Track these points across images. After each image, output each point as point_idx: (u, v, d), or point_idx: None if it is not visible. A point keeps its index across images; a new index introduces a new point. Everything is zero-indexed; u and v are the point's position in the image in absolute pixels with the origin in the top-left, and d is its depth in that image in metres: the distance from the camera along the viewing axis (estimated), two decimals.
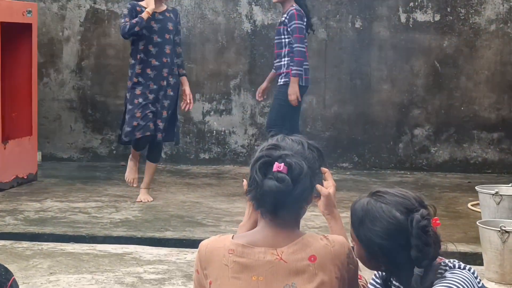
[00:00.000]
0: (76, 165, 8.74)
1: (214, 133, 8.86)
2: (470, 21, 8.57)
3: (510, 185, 6.17)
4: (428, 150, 8.71)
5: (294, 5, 6.93)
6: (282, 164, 2.28)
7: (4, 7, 7.22)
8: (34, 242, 5.66)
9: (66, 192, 7.24)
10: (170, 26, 6.65)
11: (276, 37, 7.00)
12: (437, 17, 8.59)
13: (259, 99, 7.41)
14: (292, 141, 2.36)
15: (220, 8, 8.76)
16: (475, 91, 8.63)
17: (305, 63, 6.91)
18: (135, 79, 6.60)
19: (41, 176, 7.84)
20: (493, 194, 5.76)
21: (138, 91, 6.58)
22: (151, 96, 6.59)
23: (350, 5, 8.65)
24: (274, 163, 2.29)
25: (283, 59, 6.91)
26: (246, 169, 2.41)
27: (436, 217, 2.32)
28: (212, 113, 8.85)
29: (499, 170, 8.53)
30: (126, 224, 6.08)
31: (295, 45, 6.82)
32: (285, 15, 6.90)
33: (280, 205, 2.29)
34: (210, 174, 8.26)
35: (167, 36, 6.61)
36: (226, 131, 8.87)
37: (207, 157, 8.81)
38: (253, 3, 8.70)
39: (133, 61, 6.64)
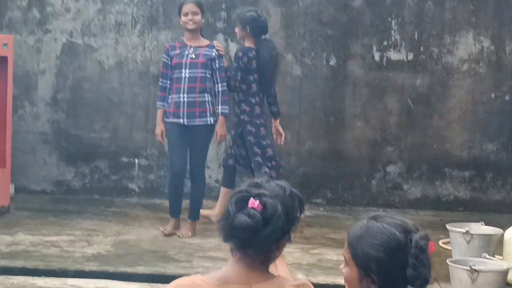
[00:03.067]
0: (49, 197, 8.69)
1: (188, 167, 8.85)
2: (443, 61, 8.69)
3: (480, 223, 6.23)
4: (401, 187, 8.76)
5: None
6: (257, 201, 2.31)
7: None
8: (5, 276, 5.63)
9: (39, 225, 7.20)
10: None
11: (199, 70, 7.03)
12: (411, 56, 8.69)
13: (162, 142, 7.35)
14: (276, 185, 2.40)
15: None
16: (447, 129, 8.72)
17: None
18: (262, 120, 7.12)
19: (13, 208, 7.79)
20: (463, 233, 5.82)
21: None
22: None
23: (325, 43, 8.74)
24: (249, 199, 2.32)
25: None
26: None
27: (432, 242, 2.36)
28: None
29: (470, 208, 8.59)
30: (98, 259, 6.07)
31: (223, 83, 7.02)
32: (212, 50, 7.00)
33: (248, 242, 2.31)
34: (183, 209, 8.22)
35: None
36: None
37: (184, 191, 8.78)
38: (229, 39, 8.75)
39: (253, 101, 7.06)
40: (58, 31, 8.83)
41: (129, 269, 5.81)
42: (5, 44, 7.58)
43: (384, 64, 8.72)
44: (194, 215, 7.07)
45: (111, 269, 5.80)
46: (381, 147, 8.77)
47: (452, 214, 8.28)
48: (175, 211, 7.11)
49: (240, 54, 7.07)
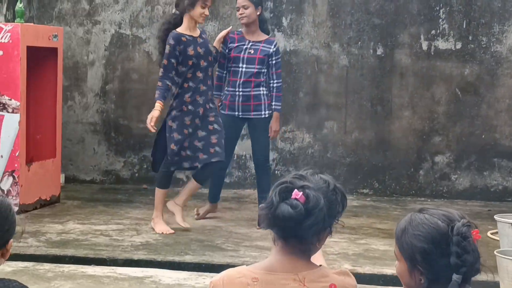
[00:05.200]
0: (98, 187, 8.81)
1: (235, 158, 8.90)
2: (492, 50, 8.59)
3: None
4: (449, 177, 8.70)
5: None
6: (301, 193, 2.33)
7: (30, 32, 7.33)
8: (55, 264, 5.72)
9: (88, 215, 7.31)
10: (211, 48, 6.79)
11: (256, 66, 6.95)
12: (459, 45, 8.61)
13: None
14: (320, 178, 2.42)
15: None
16: (496, 119, 8.63)
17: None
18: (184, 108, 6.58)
19: (63, 198, 7.91)
20: (511, 224, 5.76)
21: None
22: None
23: (372, 32, 8.70)
24: (293, 190, 2.35)
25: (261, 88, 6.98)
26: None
27: (477, 229, 2.36)
28: None
29: None
30: (147, 248, 6.14)
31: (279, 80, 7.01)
32: (270, 46, 6.95)
33: (290, 232, 2.34)
34: (230, 198, 8.29)
35: (210, 58, 6.72)
36: (247, 156, 8.90)
37: (227, 181, 8.81)
38: (275, 29, 8.76)
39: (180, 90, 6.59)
40: (107, 22, 8.94)
41: (177, 258, 5.87)
42: (55, 36, 7.69)
43: (432, 53, 8.65)
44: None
45: (159, 257, 5.87)
46: (429, 137, 8.71)
47: (501, 205, 8.20)
48: (212, 196, 7.28)
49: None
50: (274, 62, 6.98)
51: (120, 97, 8.99)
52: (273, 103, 7.00)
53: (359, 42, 8.70)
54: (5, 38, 7.10)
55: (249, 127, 7.14)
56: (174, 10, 6.85)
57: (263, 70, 6.96)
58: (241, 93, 6.93)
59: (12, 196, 7.09)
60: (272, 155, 8.83)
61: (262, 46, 6.95)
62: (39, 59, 7.57)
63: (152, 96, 8.79)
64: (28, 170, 7.33)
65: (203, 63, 6.59)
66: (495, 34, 8.59)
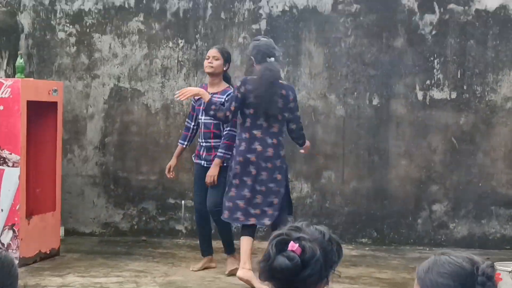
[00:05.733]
0: (98, 239, 8.81)
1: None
2: (486, 99, 8.68)
3: None
4: (447, 226, 8.72)
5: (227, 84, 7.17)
6: (297, 245, 2.37)
7: (30, 87, 7.41)
8: None
9: (88, 267, 7.30)
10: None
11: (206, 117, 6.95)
12: (454, 95, 8.70)
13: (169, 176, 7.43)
14: (315, 229, 2.45)
15: None
16: (493, 167, 8.68)
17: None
18: None
19: (63, 250, 7.91)
20: (510, 271, 5.77)
21: None
22: None
23: (368, 83, 8.79)
24: (289, 242, 2.39)
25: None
26: (265, 244, 2.50)
27: (498, 272, 2.41)
28: None
29: None
30: None
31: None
32: (223, 96, 6.96)
33: (287, 284, 2.37)
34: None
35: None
36: None
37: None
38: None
39: None
40: (106, 76, 9.02)
41: None
42: (55, 90, 7.76)
43: (427, 103, 8.73)
44: (227, 249, 7.19)
45: None
46: (426, 186, 8.75)
47: (500, 253, 8.20)
48: (202, 250, 7.31)
49: (238, 83, 6.76)
50: None
51: (119, 150, 9.03)
52: (219, 149, 6.92)
53: (355, 93, 8.78)
54: (5, 93, 7.17)
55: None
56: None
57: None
58: (203, 143, 7.10)
59: (12, 249, 7.09)
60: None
61: (218, 97, 6.95)
62: (39, 113, 7.63)
63: (151, 147, 8.92)
64: (28, 223, 7.34)
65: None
66: (489, 84, 8.68)
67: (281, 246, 2.39)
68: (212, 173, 6.92)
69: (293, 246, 2.36)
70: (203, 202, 7.08)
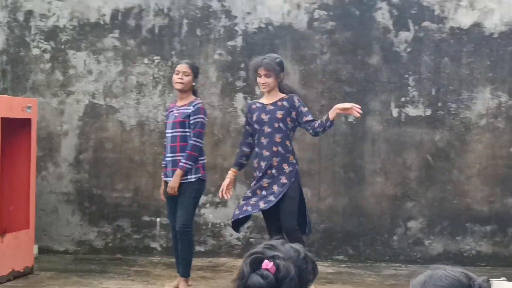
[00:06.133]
0: (72, 257, 8.76)
1: (210, 226, 8.91)
2: (461, 116, 8.74)
3: (501, 279, 6.20)
4: (422, 242, 8.75)
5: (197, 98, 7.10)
6: (272, 263, 2.36)
7: (4, 103, 7.37)
8: None
9: (62, 286, 7.25)
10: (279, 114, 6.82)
11: (177, 129, 6.93)
12: (428, 112, 8.75)
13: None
14: (290, 247, 2.43)
15: (216, 103, 8.92)
16: (468, 184, 8.73)
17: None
18: None
19: (37, 269, 7.85)
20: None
21: None
22: None
23: (343, 100, 8.79)
24: (263, 261, 2.37)
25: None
26: (241, 262, 2.49)
27: None
28: (207, 205, 8.92)
29: (492, 263, 8.55)
30: None
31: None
32: (190, 107, 6.93)
33: None
34: (205, 267, 8.27)
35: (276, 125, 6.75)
36: (221, 224, 8.91)
37: (202, 250, 8.83)
38: (248, 97, 8.86)
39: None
40: (80, 93, 9.00)
41: None
42: (29, 107, 7.72)
43: (403, 119, 8.78)
44: (184, 272, 7.00)
45: None
46: (402, 203, 8.78)
47: (475, 269, 8.19)
48: (178, 268, 7.09)
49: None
50: (192, 121, 6.89)
51: (94, 167, 8.99)
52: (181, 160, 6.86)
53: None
54: None
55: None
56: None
57: (187, 133, 6.89)
58: (170, 158, 6.92)
59: None
60: (247, 223, 8.83)
61: (184, 109, 6.95)
62: (13, 130, 7.58)
63: (126, 164, 8.88)
64: (1, 241, 7.28)
65: (267, 129, 6.72)
66: (464, 101, 8.74)
67: (256, 264, 2.37)
68: (173, 184, 6.81)
69: (267, 264, 2.35)
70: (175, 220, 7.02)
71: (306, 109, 6.81)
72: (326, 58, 8.81)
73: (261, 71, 6.75)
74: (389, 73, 8.79)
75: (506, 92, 8.71)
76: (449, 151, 8.75)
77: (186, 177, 6.85)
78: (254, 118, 6.79)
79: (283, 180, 6.62)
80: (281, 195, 6.55)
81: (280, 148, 6.69)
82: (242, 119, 8.88)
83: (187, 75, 7.00)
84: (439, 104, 8.76)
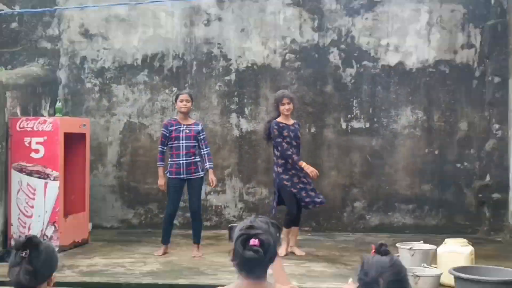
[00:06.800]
0: (116, 231, 8.73)
1: (214, 207, 8.91)
2: (390, 127, 8.76)
3: (420, 242, 6.24)
4: (365, 217, 8.77)
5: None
6: (257, 240, 2.35)
7: (66, 123, 7.37)
8: None
9: (109, 252, 7.23)
10: (298, 133, 6.97)
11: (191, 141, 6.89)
12: (367, 125, 8.77)
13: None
14: (260, 222, 2.42)
15: (217, 120, 8.93)
16: (396, 175, 8.75)
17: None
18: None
19: (91, 240, 7.83)
20: (408, 249, 5.82)
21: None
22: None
23: (307, 117, 8.85)
24: (250, 239, 2.36)
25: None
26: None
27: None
28: (212, 193, 8.92)
29: (414, 231, 8.56)
30: (152, 275, 6.09)
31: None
32: (197, 126, 6.92)
33: (256, 267, 2.36)
34: (211, 237, 8.26)
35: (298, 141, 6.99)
36: (222, 206, 8.91)
37: (209, 224, 8.82)
38: (240, 116, 8.88)
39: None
40: (121, 114, 8.98)
41: (173, 281, 5.82)
42: (84, 125, 7.72)
43: (349, 131, 8.80)
44: (199, 240, 7.02)
45: (160, 281, 5.83)
46: (350, 189, 8.79)
47: (402, 236, 8.25)
48: (166, 240, 7.05)
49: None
50: (202, 137, 6.91)
51: (131, 167, 8.98)
52: (207, 164, 6.85)
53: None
54: (48, 127, 7.12)
55: (190, 184, 6.92)
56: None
57: (195, 144, 6.88)
58: (185, 161, 6.83)
59: (54, 240, 7.01)
60: (240, 205, 8.85)
61: (193, 127, 6.91)
62: (73, 141, 7.58)
63: (153, 165, 8.87)
64: (65, 221, 7.27)
65: (294, 143, 6.91)
66: (392, 117, 8.77)
67: (244, 242, 2.35)
68: (215, 178, 6.96)
69: (254, 241, 2.33)
70: (177, 206, 6.94)
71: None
72: (294, 87, 8.83)
73: (285, 100, 6.90)
74: (339, 98, 8.81)
75: (422, 110, 8.75)
76: (382, 152, 8.78)
77: (199, 173, 6.87)
78: (285, 133, 6.86)
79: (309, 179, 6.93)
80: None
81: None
82: (235, 132, 8.90)
83: (188, 102, 6.92)
84: (375, 119, 8.78)
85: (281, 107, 6.91)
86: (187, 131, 6.88)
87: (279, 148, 6.86)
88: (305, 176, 6.88)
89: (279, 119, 6.94)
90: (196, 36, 8.93)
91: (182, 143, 6.87)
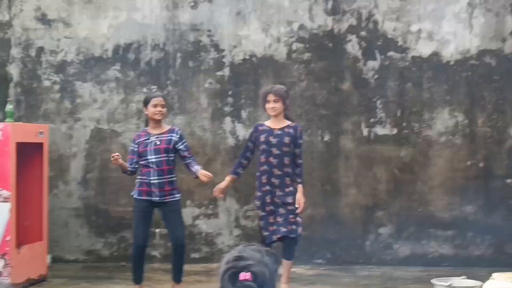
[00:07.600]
0: (82, 266, 8.72)
1: (203, 235, 8.90)
2: (423, 134, 8.78)
3: (462, 277, 6.23)
4: (392, 246, 8.77)
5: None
6: (248, 273, 2.30)
7: (19, 130, 7.37)
8: None
9: None
10: (287, 140, 6.75)
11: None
12: (395, 131, 8.79)
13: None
14: (251, 250, 2.38)
15: (207, 126, 8.94)
16: (430, 194, 8.75)
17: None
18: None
19: (50, 277, 7.81)
20: (447, 286, 5.82)
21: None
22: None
23: (319, 121, 8.86)
24: (240, 273, 2.30)
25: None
26: None
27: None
28: (201, 217, 8.92)
29: (454, 263, 8.55)
30: None
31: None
32: (172, 133, 6.75)
33: None
34: (200, 272, 8.25)
35: (284, 149, 6.70)
36: (214, 233, 8.91)
37: (197, 256, 8.82)
38: (235, 121, 8.89)
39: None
40: (87, 119, 8.99)
41: None
42: (41, 133, 7.72)
43: (372, 138, 8.81)
44: (179, 278, 6.84)
45: None
46: (373, 212, 8.80)
47: (438, 269, 8.25)
48: (137, 277, 6.79)
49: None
50: (181, 146, 6.71)
51: (100, 185, 8.97)
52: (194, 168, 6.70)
53: (309, 130, 8.82)
54: None
55: (164, 208, 6.77)
56: None
57: (170, 158, 6.64)
58: (156, 180, 6.60)
59: (3, 276, 6.98)
60: (237, 232, 8.84)
61: (165, 136, 6.68)
62: (27, 153, 7.57)
63: (128, 183, 8.86)
64: (18, 252, 7.25)
65: (275, 151, 6.67)
66: (425, 121, 8.78)
67: (234, 278, 2.29)
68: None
69: (245, 275, 2.28)
70: (147, 235, 6.79)
71: (301, 141, 6.86)
72: (303, 85, 8.86)
73: (270, 97, 6.75)
74: (359, 97, 8.83)
75: (462, 112, 8.76)
76: (414, 165, 8.78)
77: (175, 196, 6.67)
78: (262, 139, 6.74)
79: (289, 199, 6.72)
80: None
81: (289, 169, 6.70)
82: (230, 140, 8.91)
83: (163, 107, 6.66)
84: (404, 124, 8.80)
85: (266, 106, 6.81)
86: (157, 143, 6.64)
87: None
88: (286, 195, 6.72)
89: (266, 121, 6.92)
90: (180, 22, 8.95)
91: (151, 158, 6.59)
